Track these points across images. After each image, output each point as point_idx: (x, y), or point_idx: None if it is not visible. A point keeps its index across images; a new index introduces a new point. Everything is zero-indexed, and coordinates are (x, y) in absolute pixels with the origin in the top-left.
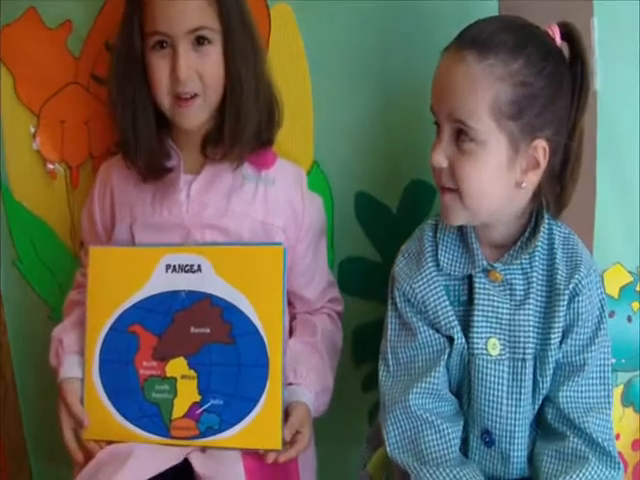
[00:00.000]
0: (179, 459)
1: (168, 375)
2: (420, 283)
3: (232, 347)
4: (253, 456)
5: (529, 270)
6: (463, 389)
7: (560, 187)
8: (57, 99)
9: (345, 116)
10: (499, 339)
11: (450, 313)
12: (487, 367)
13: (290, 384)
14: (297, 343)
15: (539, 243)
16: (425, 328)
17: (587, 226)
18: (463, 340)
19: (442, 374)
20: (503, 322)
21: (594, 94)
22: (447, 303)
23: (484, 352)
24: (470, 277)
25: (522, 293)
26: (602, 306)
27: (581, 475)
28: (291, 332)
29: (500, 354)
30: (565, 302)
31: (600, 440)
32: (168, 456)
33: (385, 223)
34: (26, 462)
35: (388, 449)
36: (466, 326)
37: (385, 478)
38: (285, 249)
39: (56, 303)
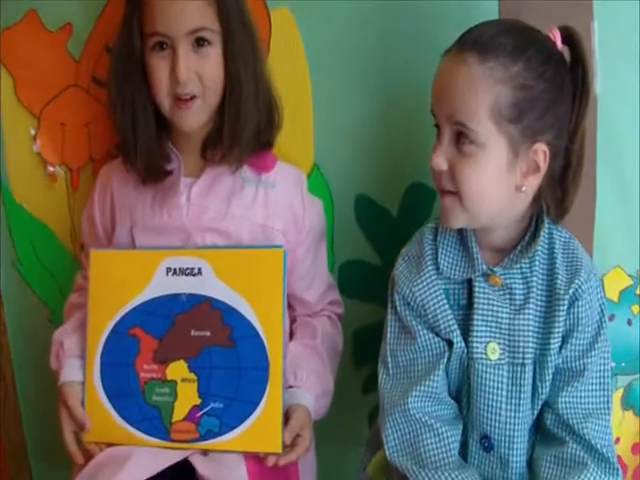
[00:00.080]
0: (178, 458)
1: (168, 378)
2: (420, 287)
3: (232, 350)
4: (256, 459)
5: (529, 275)
6: (462, 393)
7: (561, 192)
8: (57, 102)
9: (345, 118)
10: (499, 343)
11: (450, 317)
12: (486, 372)
13: (290, 387)
14: (297, 346)
15: (539, 247)
16: (425, 332)
17: (587, 229)
18: (462, 344)
19: (441, 378)
20: (503, 326)
21: (594, 97)
22: (447, 307)
23: (483, 356)
24: (470, 281)
25: (522, 298)
26: (602, 311)
27: None
28: (291, 335)
29: (499, 359)
30: (565, 307)
31: (599, 446)
32: (167, 457)
33: (385, 226)
34: (26, 463)
35: (387, 452)
36: (466, 330)
37: None
38: (285, 252)
39: (56, 305)
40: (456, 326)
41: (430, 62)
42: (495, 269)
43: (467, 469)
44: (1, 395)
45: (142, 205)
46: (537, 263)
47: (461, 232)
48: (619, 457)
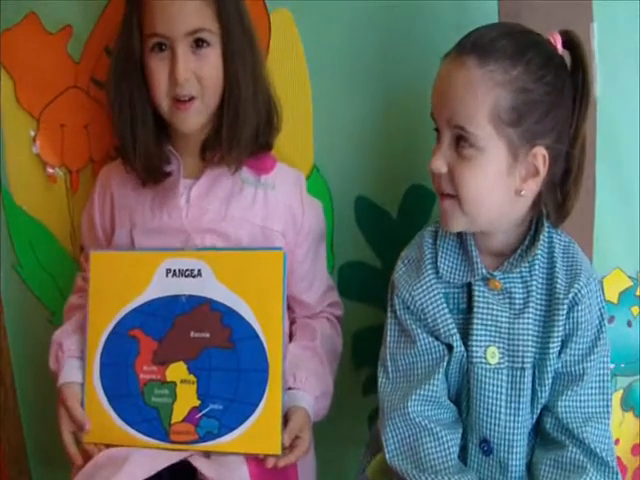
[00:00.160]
0: (175, 460)
1: (168, 379)
2: (419, 290)
3: (232, 352)
4: (257, 460)
5: (529, 279)
6: (462, 397)
7: (562, 196)
8: (57, 103)
9: (345, 120)
10: (498, 348)
11: (449, 321)
12: (486, 376)
13: (290, 389)
14: (297, 347)
15: (539, 252)
16: (424, 335)
17: (587, 231)
18: (462, 348)
19: (441, 381)
20: (502, 331)
21: (594, 99)
22: (446, 311)
23: (483, 360)
24: (469, 285)
25: (521, 302)
26: (602, 315)
27: None
28: (291, 336)
29: (499, 363)
30: (564, 311)
31: (598, 450)
32: (165, 458)
33: (385, 228)
34: (26, 466)
35: (387, 456)
36: (465, 334)
37: None
38: (285, 254)
39: (56, 307)
40: (456, 330)
41: (429, 63)
42: (495, 273)
43: (467, 473)
44: (1, 398)
45: (142, 206)
46: (537, 267)
47: (461, 236)
48: (619, 458)
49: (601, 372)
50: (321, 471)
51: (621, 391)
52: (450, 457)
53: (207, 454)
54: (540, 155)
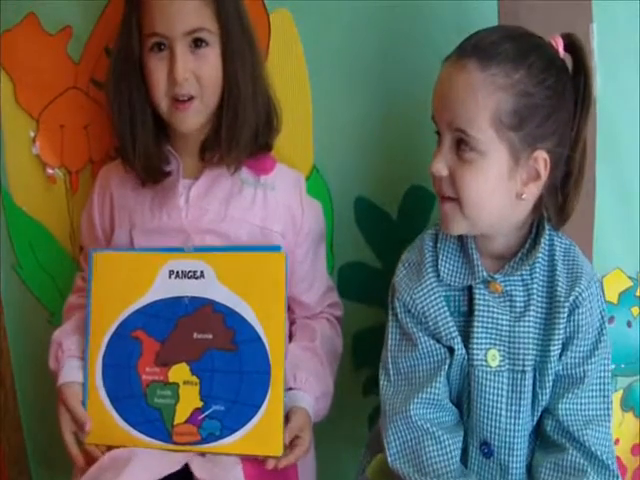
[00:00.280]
0: (180, 465)
1: (170, 381)
2: (420, 294)
3: (234, 353)
4: (252, 461)
5: (529, 282)
6: (463, 399)
7: (563, 199)
8: (57, 104)
9: (344, 120)
10: (499, 350)
11: (450, 324)
12: (486, 378)
13: (290, 389)
14: (297, 348)
15: (540, 255)
16: (426, 338)
17: (587, 231)
18: (463, 351)
19: (443, 384)
20: (503, 333)
21: (594, 100)
22: (447, 314)
23: (484, 363)
24: (470, 288)
25: (522, 305)
26: (602, 318)
27: None
28: (291, 337)
29: (500, 365)
30: (565, 314)
31: (599, 453)
32: (169, 462)
33: (385, 228)
34: (26, 466)
35: (389, 459)
36: (466, 337)
37: None
38: (287, 256)
39: (56, 308)
40: (457, 333)
41: (429, 65)
42: (495, 276)
43: (468, 477)
44: (1, 398)
45: (141, 207)
46: (538, 270)
47: (461, 239)
48: (618, 458)
49: (602, 375)
50: (321, 471)
51: (621, 391)
52: (452, 461)
53: (202, 453)
54: (541, 159)
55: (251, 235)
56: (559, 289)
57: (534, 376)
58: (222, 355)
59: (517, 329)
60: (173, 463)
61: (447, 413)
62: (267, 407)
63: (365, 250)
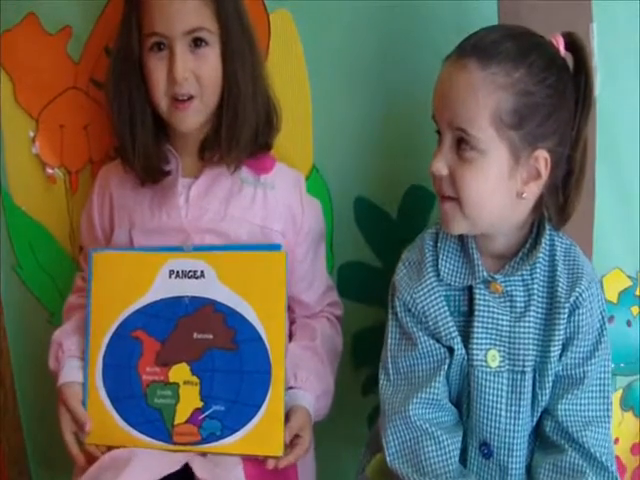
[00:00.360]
0: (180, 465)
1: (171, 381)
2: (421, 293)
3: (235, 353)
4: (253, 461)
5: (530, 282)
6: (462, 400)
7: (563, 199)
8: (56, 104)
9: (344, 120)
10: (499, 351)
11: (450, 324)
12: (486, 379)
13: (290, 388)
14: (297, 347)
15: (540, 255)
16: (425, 338)
17: (586, 230)
18: (463, 351)
19: (442, 384)
20: (503, 334)
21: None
22: (447, 314)
23: (483, 364)
24: (470, 288)
25: (522, 305)
26: (603, 318)
27: None
28: (291, 337)
29: (499, 366)
30: (565, 315)
31: (598, 455)
32: (169, 462)
33: (384, 228)
34: (26, 467)
35: (388, 459)
36: (466, 337)
37: None
38: (287, 254)
39: (56, 308)
40: (457, 333)
41: (429, 63)
42: (496, 276)
43: (467, 477)
44: (1, 398)
45: (140, 206)
46: (538, 270)
47: (462, 238)
48: (618, 458)
49: (602, 376)
50: (321, 471)
51: (620, 391)
52: (451, 461)
53: (203, 453)
54: (542, 158)
55: (251, 234)
56: (559, 289)
57: (534, 377)
58: (222, 355)
59: (517, 329)
60: (173, 463)
61: (446, 413)
62: (268, 407)
63: (365, 250)
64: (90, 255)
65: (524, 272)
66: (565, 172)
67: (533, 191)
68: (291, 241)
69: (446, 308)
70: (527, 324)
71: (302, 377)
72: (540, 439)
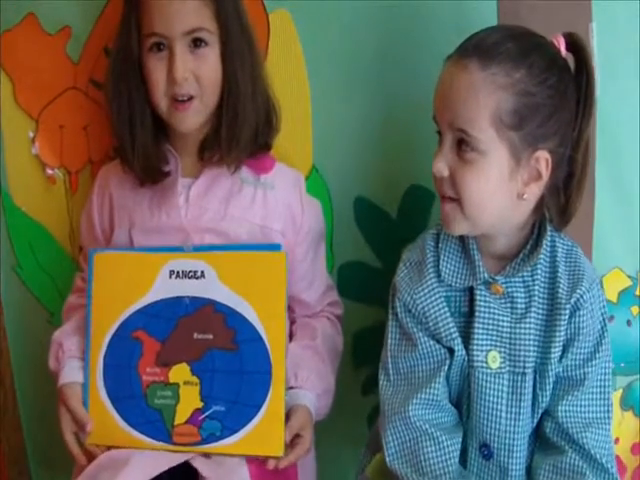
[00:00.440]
0: (178, 462)
1: (171, 381)
2: (421, 294)
3: (235, 353)
4: (257, 461)
5: (531, 283)
6: (462, 401)
7: (565, 200)
8: (56, 104)
9: (344, 121)
10: (499, 352)
11: (451, 325)
12: (487, 380)
13: (291, 388)
14: (297, 347)
15: (541, 256)
16: (426, 339)
17: (586, 230)
18: (463, 352)
19: (442, 385)
20: (504, 335)
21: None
22: (448, 314)
23: (484, 365)
24: (471, 289)
25: (523, 306)
26: (604, 320)
27: None
28: (291, 336)
29: (500, 367)
30: (566, 316)
31: (598, 456)
32: (167, 459)
33: (384, 228)
34: (26, 467)
35: (387, 459)
36: (466, 338)
37: None
38: (287, 255)
39: (55, 308)
40: (457, 334)
41: (428, 63)
42: (497, 278)
43: (467, 478)
44: (1, 398)
45: (140, 206)
46: (539, 271)
47: (463, 239)
48: (618, 457)
49: (602, 377)
50: (321, 471)
51: (620, 390)
52: (450, 462)
53: (207, 454)
54: (543, 159)
55: (251, 234)
56: (560, 291)
57: (534, 378)
58: (223, 355)
59: (518, 331)
60: (171, 459)
61: (446, 414)
62: (268, 407)
63: (365, 249)
64: (90, 255)
65: (525, 273)
66: (566, 173)
67: (534, 192)
68: (291, 241)
69: (447, 309)
70: (528, 325)
71: (303, 376)
72: (540, 440)
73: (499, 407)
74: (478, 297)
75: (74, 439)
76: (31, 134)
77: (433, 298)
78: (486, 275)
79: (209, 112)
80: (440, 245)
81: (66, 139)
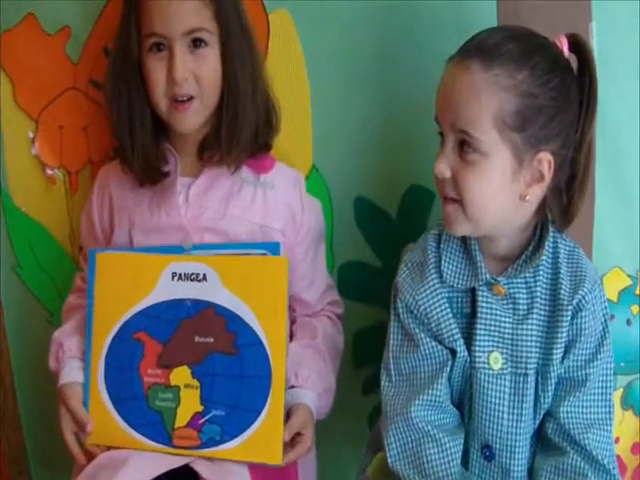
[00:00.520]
0: (177, 464)
1: (172, 383)
2: (423, 295)
3: (235, 358)
4: (259, 465)
5: (533, 284)
6: (464, 402)
7: (567, 201)
8: (56, 104)
9: (343, 121)
10: (501, 353)
11: (453, 326)
12: (489, 381)
13: (292, 387)
14: (298, 346)
15: (544, 257)
16: (428, 340)
17: (586, 230)
18: (465, 353)
19: (444, 386)
20: (505, 336)
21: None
22: (450, 315)
23: (486, 366)
24: (473, 289)
25: (525, 307)
26: (605, 321)
27: None
28: (291, 336)
29: (502, 368)
30: (568, 317)
31: (600, 457)
32: (167, 462)
33: (384, 228)
34: (26, 466)
35: (389, 460)
36: (468, 339)
37: None
38: (288, 260)
39: (55, 308)
40: (459, 335)
41: (428, 63)
42: (499, 279)
43: None
44: (1, 398)
45: (140, 206)
46: (541, 273)
47: (465, 240)
48: (619, 457)
49: (604, 378)
50: (321, 470)
51: (621, 390)
52: (452, 463)
53: (209, 458)
54: (545, 160)
55: (251, 233)
56: (562, 292)
57: (536, 379)
58: (223, 359)
59: (520, 332)
60: (171, 462)
61: (448, 415)
62: (267, 413)
63: (365, 249)
64: (92, 255)
65: (527, 274)
66: (569, 174)
67: (536, 194)
68: (291, 240)
69: (449, 310)
70: (530, 326)
71: (303, 375)
72: (542, 441)
73: (501, 408)
74: (480, 298)
75: (74, 439)
76: (31, 134)
77: (435, 299)
78: (488, 276)
79: (209, 112)
80: (442, 246)
81: (66, 139)
